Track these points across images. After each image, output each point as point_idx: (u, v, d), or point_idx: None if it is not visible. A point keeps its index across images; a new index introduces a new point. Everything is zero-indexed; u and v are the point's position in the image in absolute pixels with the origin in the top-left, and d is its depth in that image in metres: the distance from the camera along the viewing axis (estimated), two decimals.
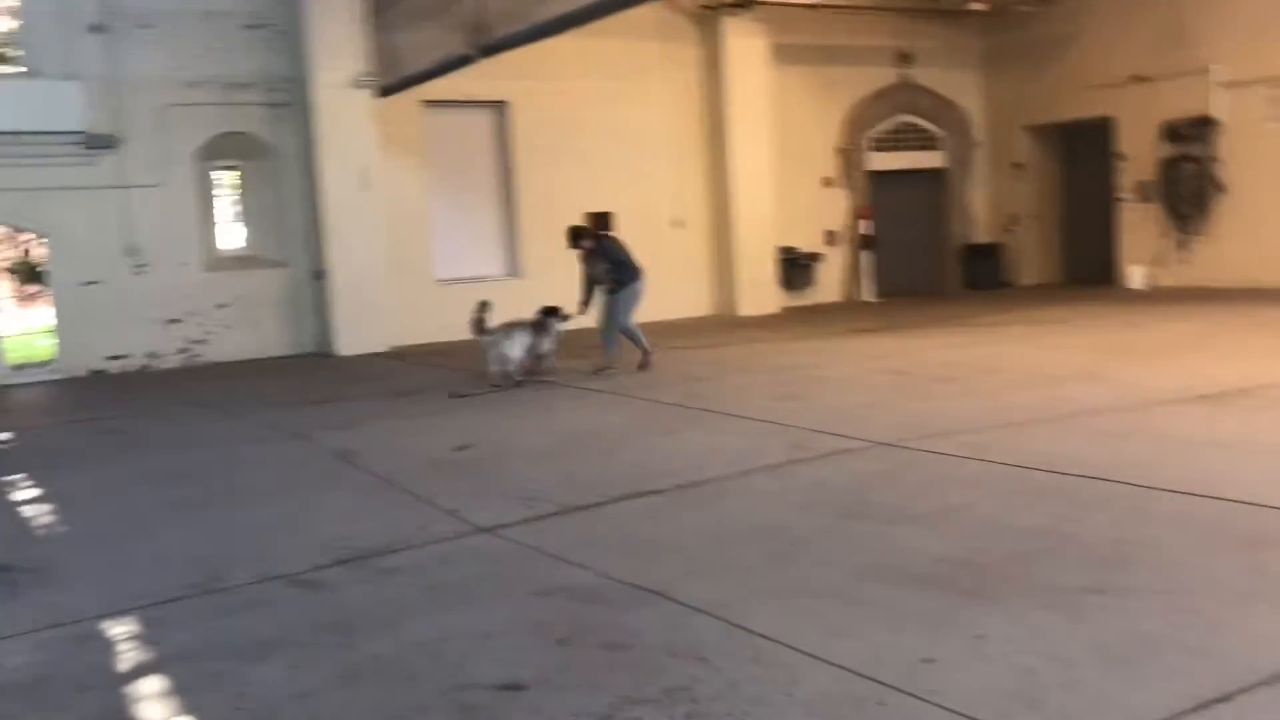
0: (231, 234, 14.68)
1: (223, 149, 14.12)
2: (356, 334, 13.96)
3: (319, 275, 14.15)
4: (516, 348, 10.23)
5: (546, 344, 10.58)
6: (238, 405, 10.18)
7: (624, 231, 16.13)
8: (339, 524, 5.67)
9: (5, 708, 3.60)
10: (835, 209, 18.22)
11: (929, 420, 7.43)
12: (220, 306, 13.99)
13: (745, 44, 16.40)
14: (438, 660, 3.73)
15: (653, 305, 16.11)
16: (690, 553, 4.83)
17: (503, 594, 4.43)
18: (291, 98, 14.15)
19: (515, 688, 3.45)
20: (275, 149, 14.24)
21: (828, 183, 18.07)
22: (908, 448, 6.62)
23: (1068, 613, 3.80)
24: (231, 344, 14.01)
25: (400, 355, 13.62)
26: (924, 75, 18.70)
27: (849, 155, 18.20)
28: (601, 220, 11.21)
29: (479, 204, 15.76)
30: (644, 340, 10.95)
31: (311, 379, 11.97)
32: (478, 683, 3.51)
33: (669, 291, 16.51)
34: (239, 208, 14.68)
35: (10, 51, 14.17)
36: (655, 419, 8.25)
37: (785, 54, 16.95)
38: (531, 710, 3.29)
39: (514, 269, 15.85)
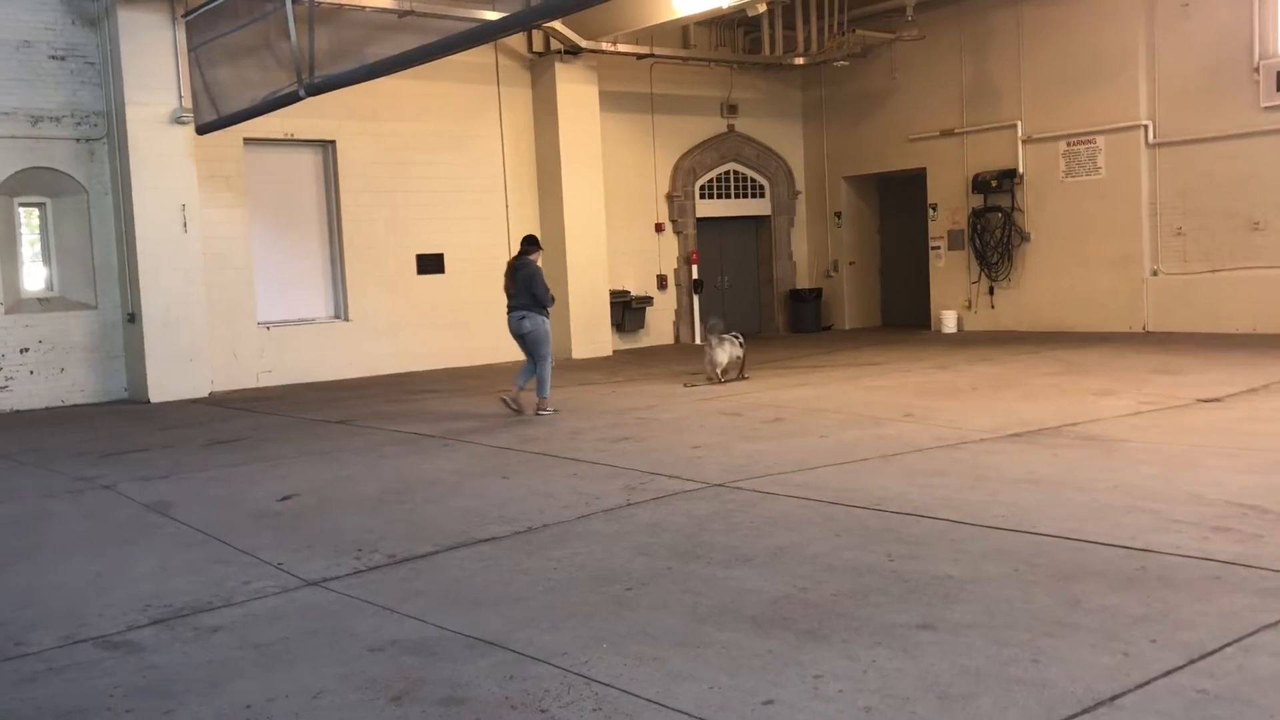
0: (36, 274, 13.79)
1: (28, 184, 13.32)
2: (172, 380, 13.33)
3: (131, 318, 13.46)
4: (722, 354, 12.22)
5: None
6: (41, 457, 9.55)
7: (454, 273, 16.09)
8: (154, 581, 5.36)
9: None
10: (666, 254, 18.53)
11: (760, 461, 7.57)
12: (22, 351, 13.13)
13: (576, 90, 16.57)
14: None
15: (483, 347, 16.12)
16: (527, 600, 4.76)
17: (332, 650, 4.26)
18: (103, 132, 13.51)
19: None
20: (85, 185, 13.52)
21: (659, 228, 18.36)
22: (741, 488, 6.72)
23: (901, 649, 3.90)
24: (34, 391, 13.15)
25: (219, 401, 13.06)
26: (749, 125, 19.32)
27: (678, 201, 18.57)
28: (529, 242, 10.93)
29: (304, 245, 15.33)
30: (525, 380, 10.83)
31: (123, 428, 11.33)
32: None
33: (501, 334, 16.37)
34: (44, 246, 13.82)
35: None
36: (489, 464, 8.15)
37: (616, 101, 17.23)
38: None
39: (340, 311, 15.46)
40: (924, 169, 18.05)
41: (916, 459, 7.45)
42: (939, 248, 18.09)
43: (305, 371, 14.78)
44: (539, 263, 10.85)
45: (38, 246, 13.82)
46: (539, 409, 10.51)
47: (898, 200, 19.38)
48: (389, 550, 5.71)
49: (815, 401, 10.53)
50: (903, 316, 19.16)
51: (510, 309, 10.72)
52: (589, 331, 16.77)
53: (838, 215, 19.70)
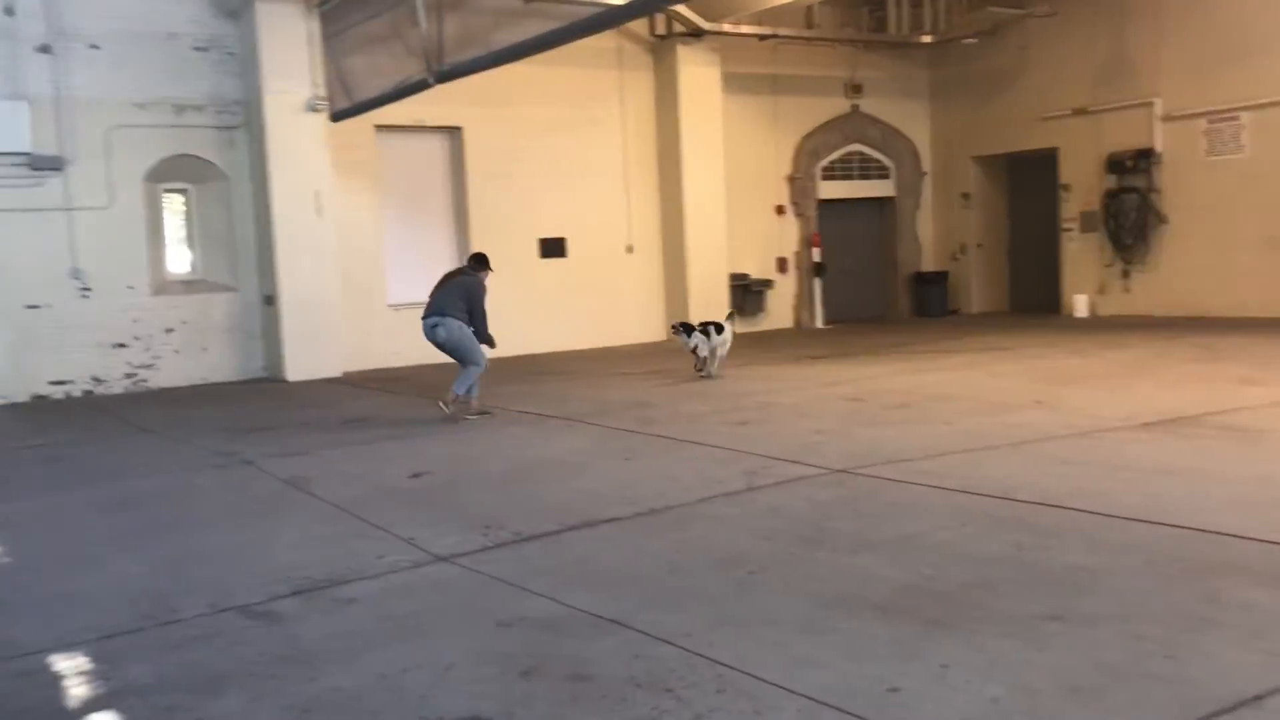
0: (180, 257, 14.45)
1: (172, 171, 13.94)
2: (307, 359, 13.81)
3: (269, 300, 13.99)
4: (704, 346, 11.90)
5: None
6: (186, 432, 10.01)
7: (576, 257, 16.28)
8: (293, 553, 5.59)
9: None
10: (786, 236, 18.40)
11: (884, 447, 7.48)
12: (168, 331, 13.78)
13: (698, 73, 16.55)
14: (399, 694, 3.68)
15: (603, 331, 16.28)
16: (651, 581, 4.82)
17: (463, 624, 4.38)
18: (243, 120, 14.03)
19: None
20: (226, 172, 14.09)
21: (780, 210, 18.23)
22: (864, 475, 6.66)
23: (1029, 641, 3.83)
24: (179, 369, 13.79)
25: (352, 381, 13.49)
26: (873, 105, 19.00)
27: (800, 183, 18.39)
28: (478, 260, 10.29)
29: (432, 229, 15.69)
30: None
31: (261, 405, 11.81)
32: (441, 716, 3.46)
33: (620, 317, 16.59)
34: (188, 231, 14.46)
35: None
36: (611, 446, 8.24)
37: (738, 83, 17.13)
38: None
39: None
40: (1055, 149, 17.50)
41: (1047, 447, 7.26)
42: (1071, 230, 17.53)
43: (432, 353, 15.03)
44: (485, 283, 10.03)
45: (182, 231, 14.47)
46: (465, 412, 9.70)
47: (1027, 181, 18.83)
48: (515, 528, 5.83)
49: (941, 387, 10.34)
50: (1032, 300, 18.63)
51: (424, 316, 9.87)
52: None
53: (965, 196, 19.24)
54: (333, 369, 13.96)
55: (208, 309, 14.08)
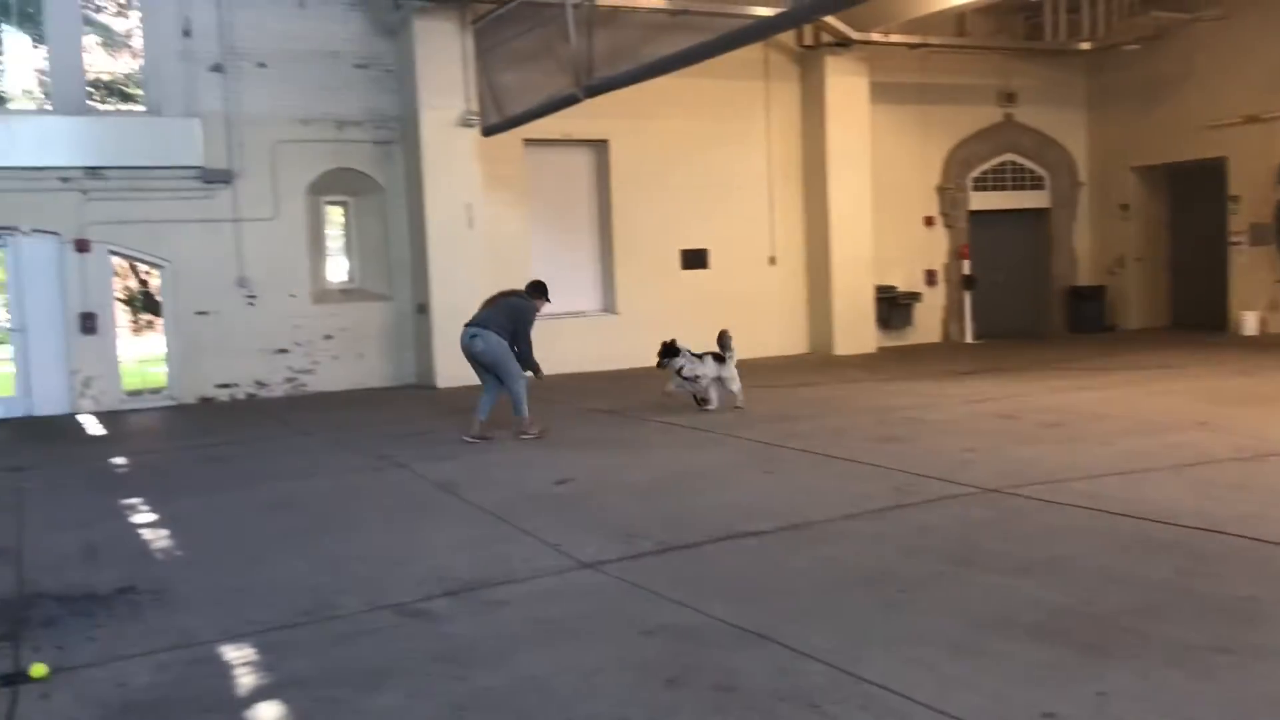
0: (339, 267, 15.07)
1: (333, 184, 14.55)
2: (456, 367, 14.07)
3: (421, 308, 14.43)
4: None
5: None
6: (342, 435, 10.41)
7: (718, 268, 16.31)
8: (445, 555, 5.75)
9: None
10: (935, 248, 18.04)
11: (1037, 467, 7.26)
12: (326, 338, 14.36)
13: (846, 82, 16.39)
14: (548, 696, 3.75)
15: (746, 343, 16.18)
16: (795, 596, 4.79)
17: (608, 631, 4.44)
18: (399, 135, 14.54)
19: None
20: (382, 185, 14.62)
21: (928, 221, 17.90)
22: (1017, 494, 6.48)
23: (1194, 671, 3.67)
24: (336, 375, 14.35)
25: None
26: (1027, 114, 18.47)
27: (950, 194, 18.02)
28: (536, 288, 10.03)
29: (576, 241, 15.94)
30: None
31: (413, 411, 12.19)
32: None
33: (763, 329, 16.52)
34: (346, 241, 15.07)
35: (134, 90, 14.80)
36: (753, 459, 8.22)
37: (886, 93, 16.89)
38: None
39: (609, 305, 15.98)
40: (1223, 158, 16.68)
41: (1212, 471, 6.93)
42: (1240, 243, 16.68)
43: (575, 362, 15.33)
44: (539, 311, 9.80)
45: (341, 242, 15.08)
46: (520, 431, 9.52)
47: (1191, 192, 17.99)
48: (658, 538, 5.87)
49: (1097, 406, 9.98)
50: (1195, 317, 17.77)
51: (467, 324, 9.60)
52: (853, 328, 16.58)
53: (1124, 208, 18.51)
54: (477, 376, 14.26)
55: (364, 317, 14.62)
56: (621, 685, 3.82)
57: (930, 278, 17.94)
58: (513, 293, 9.96)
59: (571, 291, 15.83)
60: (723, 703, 3.61)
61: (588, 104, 12.11)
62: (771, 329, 16.58)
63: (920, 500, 6.47)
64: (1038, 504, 6.25)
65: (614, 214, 15.81)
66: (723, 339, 10.82)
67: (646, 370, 15.22)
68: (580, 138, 15.41)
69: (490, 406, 9.64)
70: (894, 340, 17.31)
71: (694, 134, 16.04)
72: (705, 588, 4.94)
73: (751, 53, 15.75)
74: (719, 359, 10.65)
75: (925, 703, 3.50)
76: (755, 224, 16.58)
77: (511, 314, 9.51)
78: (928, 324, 17.92)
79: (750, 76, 16.29)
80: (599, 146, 15.80)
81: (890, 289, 17.27)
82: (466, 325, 9.59)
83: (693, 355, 10.61)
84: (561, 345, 15.37)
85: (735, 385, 10.64)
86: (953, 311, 18.09)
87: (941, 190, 17.99)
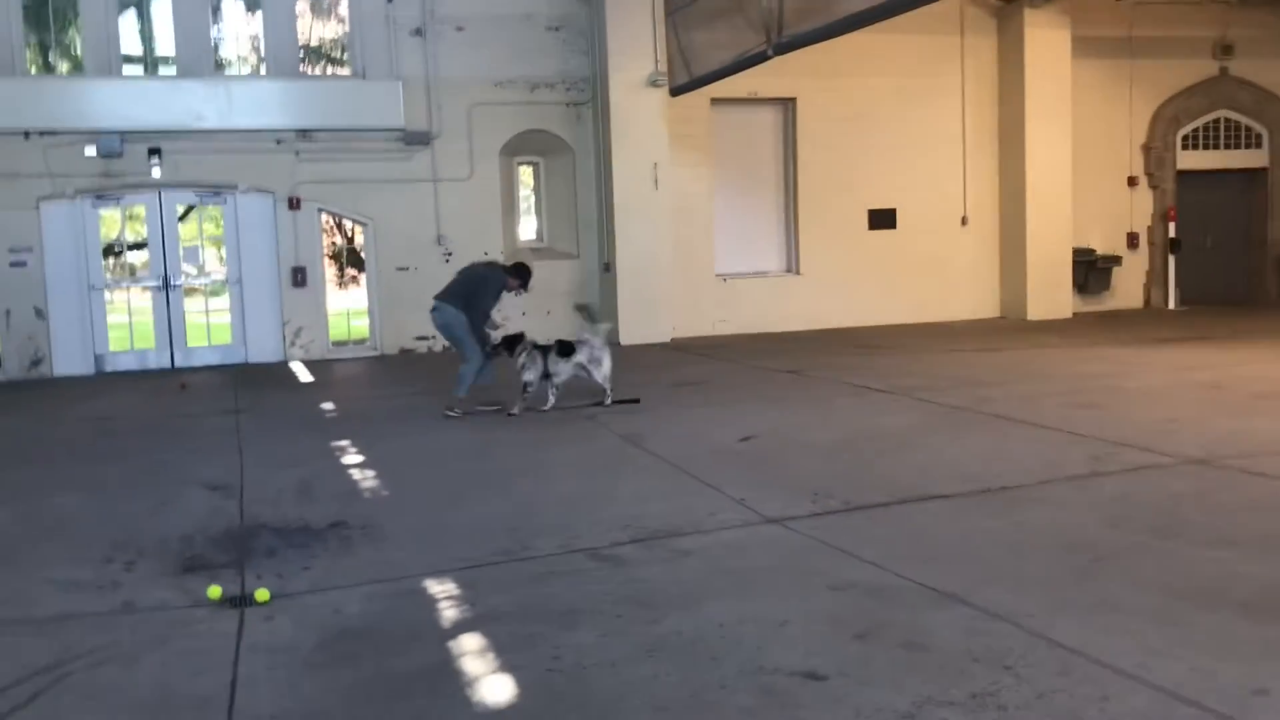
0: (528, 226, 15.49)
1: (524, 145, 14.92)
2: (639, 325, 14.39)
3: (607, 267, 14.68)
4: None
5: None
6: None
7: (906, 228, 15.98)
8: (631, 504, 5.90)
9: (347, 648, 3.98)
10: (1138, 210, 17.16)
11: (1246, 438, 6.89)
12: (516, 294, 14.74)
13: (1046, 36, 15.70)
14: (736, 642, 3.83)
15: (931, 305, 15.89)
16: (986, 559, 4.72)
17: (795, 584, 4.48)
18: (588, 96, 14.76)
19: (815, 677, 3.50)
20: (571, 145, 14.90)
21: (1132, 182, 17.02)
22: (1224, 466, 6.18)
23: None
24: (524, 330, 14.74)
25: (680, 347, 13.93)
26: (1246, 68, 17.27)
27: (1156, 153, 17.06)
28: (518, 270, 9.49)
29: (760, 200, 15.87)
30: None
31: None
32: (778, 668, 3.58)
33: (952, 292, 16.13)
34: (536, 201, 15.46)
35: (340, 55, 15.50)
36: (941, 422, 8.07)
37: (1088, 46, 16.08)
38: (833, 700, 3.33)
39: (791, 265, 15.88)
40: None
41: None
42: None
43: (757, 322, 15.36)
44: (514, 294, 9.47)
45: (530, 201, 15.48)
46: (448, 406, 9.08)
47: None
48: (843, 497, 5.87)
49: None
50: None
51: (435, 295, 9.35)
52: (1047, 291, 15.97)
53: None
54: (662, 335, 14.48)
55: (552, 275, 14.94)
56: (810, 636, 3.86)
57: (1132, 241, 17.08)
58: (485, 264, 9.74)
59: (754, 252, 15.82)
60: (914, 661, 3.61)
61: (776, 62, 12.00)
62: (961, 292, 16.18)
63: (1119, 469, 6.24)
64: (1246, 477, 5.94)
65: (799, 173, 15.66)
66: (573, 343, 9.40)
67: (830, 331, 15.15)
68: (768, 95, 15.30)
69: (487, 373, 9.28)
70: (1091, 306, 16.59)
71: (885, 91, 15.69)
72: (894, 547, 4.92)
73: (947, 6, 15.29)
74: (566, 352, 9.18)
75: (1125, 670, 3.42)
76: (947, 183, 16.13)
77: (471, 284, 9.19)
78: (1128, 289, 17.10)
79: (945, 31, 15.79)
80: (786, 104, 15.65)
81: (1089, 252, 16.53)
82: (435, 296, 9.35)
83: (536, 349, 9.17)
84: (743, 306, 15.42)
85: (599, 375, 9.18)
86: (1155, 276, 17.20)
87: (1147, 149, 17.05)
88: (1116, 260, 16.84)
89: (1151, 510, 5.38)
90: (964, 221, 16.23)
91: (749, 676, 3.53)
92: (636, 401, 9.27)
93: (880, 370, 10.90)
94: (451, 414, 9.03)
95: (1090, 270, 16.56)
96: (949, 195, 16.14)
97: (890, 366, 11.27)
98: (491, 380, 9.38)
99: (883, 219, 15.98)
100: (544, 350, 9.15)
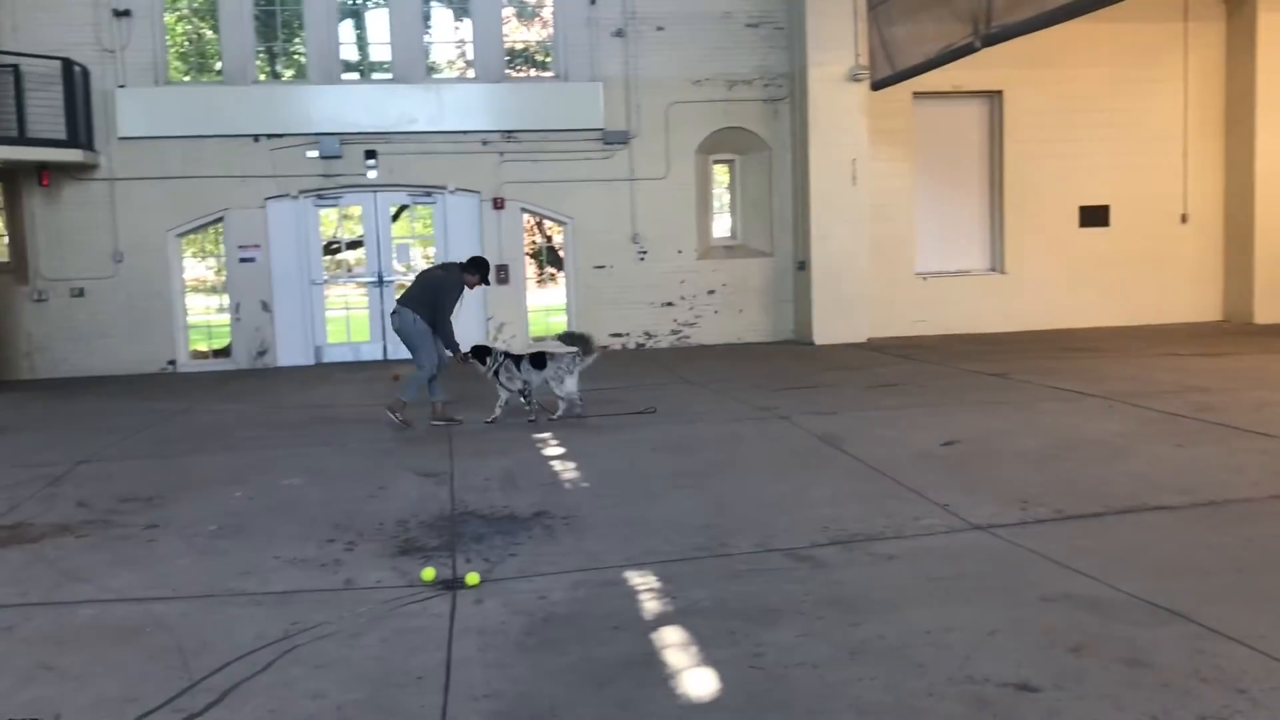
0: (722, 224, 15.53)
1: (720, 143, 14.96)
2: (834, 324, 14.22)
3: (801, 265, 14.57)
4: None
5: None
6: (726, 386, 10.75)
7: (1119, 226, 15.23)
8: (830, 505, 5.83)
9: (553, 633, 4.08)
10: None
11: None
12: (709, 292, 14.86)
13: None
14: (943, 650, 3.73)
15: (1146, 307, 15.08)
16: (1213, 575, 4.45)
17: (1004, 594, 4.33)
18: (786, 92, 14.68)
19: (1028, 689, 3.38)
20: (768, 142, 14.84)
21: None
22: None
23: None
24: (717, 328, 14.84)
25: (876, 347, 13.68)
26: None
27: None
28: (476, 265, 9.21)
29: (963, 197, 15.42)
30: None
31: (792, 365, 12.36)
32: (988, 678, 3.47)
33: (1168, 293, 15.33)
34: (731, 199, 15.48)
35: (544, 58, 15.92)
36: (1158, 429, 7.65)
37: None
38: (1049, 713, 3.21)
39: (997, 264, 15.37)
40: None
41: None
42: None
43: (958, 323, 14.94)
44: (469, 288, 9.15)
45: (725, 199, 15.51)
46: (389, 407, 8.97)
47: None
48: (1055, 505, 5.64)
49: None
50: None
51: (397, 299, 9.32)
52: (1277, 292, 14.93)
53: None
54: (858, 334, 14.26)
55: (746, 273, 14.97)
56: (1022, 647, 3.73)
57: None
58: (440, 267, 9.60)
59: (955, 250, 15.39)
60: (1135, 677, 3.44)
61: (981, 54, 11.65)
62: (1179, 293, 15.32)
63: None
64: None
65: (1005, 168, 15.14)
66: (550, 354, 9.17)
67: (1035, 333, 14.58)
68: (973, 88, 14.85)
69: (436, 388, 9.16)
70: None
71: (1099, 83, 14.99)
72: (1110, 559, 4.70)
73: None
74: (538, 363, 9.00)
75: None
76: (1166, 178, 15.28)
77: (430, 289, 9.01)
78: None
79: (1167, 18, 14.96)
80: (992, 98, 15.16)
81: None
82: (397, 300, 9.32)
83: (509, 358, 9.10)
84: (943, 305, 15.02)
85: (562, 390, 8.96)
86: None
87: None
88: None
89: None
90: (1184, 219, 15.35)
91: (957, 685, 3.44)
92: (653, 411, 9.19)
93: (1090, 374, 10.41)
94: (394, 416, 8.93)
95: None
96: (1167, 191, 15.29)
97: (1101, 370, 10.75)
98: (439, 397, 9.23)
99: (1095, 216, 15.28)
100: (516, 360, 9.09)
